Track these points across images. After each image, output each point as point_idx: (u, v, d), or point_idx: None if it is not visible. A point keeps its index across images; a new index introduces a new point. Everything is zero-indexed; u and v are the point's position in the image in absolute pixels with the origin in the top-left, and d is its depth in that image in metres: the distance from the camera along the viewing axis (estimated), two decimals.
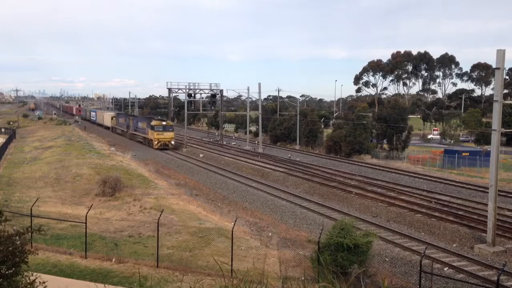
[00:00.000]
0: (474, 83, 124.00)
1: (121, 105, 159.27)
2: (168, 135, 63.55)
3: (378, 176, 40.88)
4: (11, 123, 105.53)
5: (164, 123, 65.24)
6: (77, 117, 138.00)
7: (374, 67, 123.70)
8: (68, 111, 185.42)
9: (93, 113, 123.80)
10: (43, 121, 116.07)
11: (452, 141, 77.79)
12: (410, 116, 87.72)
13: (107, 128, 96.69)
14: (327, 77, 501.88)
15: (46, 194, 30.99)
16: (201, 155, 57.38)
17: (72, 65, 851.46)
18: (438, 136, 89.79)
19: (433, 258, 19.35)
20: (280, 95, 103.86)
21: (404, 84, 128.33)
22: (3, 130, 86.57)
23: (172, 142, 63.60)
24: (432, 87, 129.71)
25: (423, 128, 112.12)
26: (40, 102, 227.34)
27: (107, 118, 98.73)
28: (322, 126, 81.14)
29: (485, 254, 21.14)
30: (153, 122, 65.44)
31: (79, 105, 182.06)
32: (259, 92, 68.77)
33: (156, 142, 62.75)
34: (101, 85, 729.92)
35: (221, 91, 77.77)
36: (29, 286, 9.33)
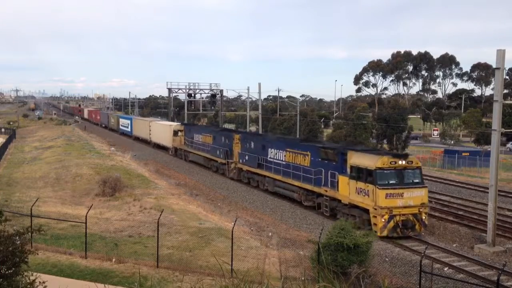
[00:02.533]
0: (474, 83, 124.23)
1: (121, 105, 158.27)
2: (416, 197, 23.53)
3: None
4: (11, 123, 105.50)
5: (403, 161, 23.85)
6: (76, 116, 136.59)
7: (374, 67, 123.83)
8: (74, 113, 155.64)
9: (124, 121, 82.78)
10: (43, 121, 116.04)
11: (453, 142, 77.73)
12: (410, 116, 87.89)
13: (161, 147, 60.41)
14: (327, 77, 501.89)
15: (46, 194, 30.99)
16: None
17: (72, 65, 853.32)
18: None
19: (433, 258, 19.34)
20: (280, 95, 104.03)
21: (404, 84, 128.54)
22: (3, 130, 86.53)
23: (423, 217, 23.50)
24: (432, 87, 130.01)
25: (423, 128, 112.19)
26: (40, 102, 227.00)
27: (164, 132, 58.49)
28: (322, 126, 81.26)
29: (485, 254, 21.13)
30: (372, 160, 23.87)
31: (81, 106, 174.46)
32: (259, 92, 68.81)
33: (383, 218, 22.60)
34: (101, 85, 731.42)
35: (221, 91, 77.98)
36: (29, 286, 9.35)
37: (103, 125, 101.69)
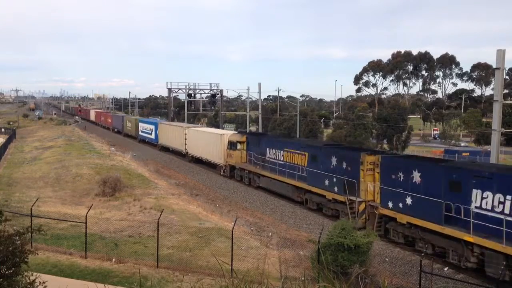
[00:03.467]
0: (474, 83, 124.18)
1: (121, 105, 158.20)
2: None
3: None
4: (11, 123, 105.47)
5: None
6: (77, 116, 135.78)
7: (374, 67, 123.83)
8: (77, 115, 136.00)
9: (145, 125, 68.86)
10: (43, 121, 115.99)
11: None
12: (410, 116, 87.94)
13: (201, 161, 47.56)
14: (327, 77, 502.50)
15: (46, 194, 30.99)
16: None
17: (72, 65, 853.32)
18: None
19: (433, 258, 19.33)
20: (280, 95, 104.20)
21: (404, 84, 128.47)
22: (3, 130, 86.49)
23: None
24: (432, 87, 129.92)
25: (423, 128, 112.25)
26: (40, 102, 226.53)
27: (210, 142, 44.25)
28: (322, 126, 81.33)
29: None
30: None
31: (81, 106, 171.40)
32: (259, 92, 68.82)
33: None
34: (101, 85, 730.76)
35: (221, 91, 77.93)
36: (29, 286, 9.36)
37: (116, 130, 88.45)
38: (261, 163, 34.81)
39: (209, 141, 44.71)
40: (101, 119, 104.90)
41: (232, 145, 39.28)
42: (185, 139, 50.98)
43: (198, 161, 48.56)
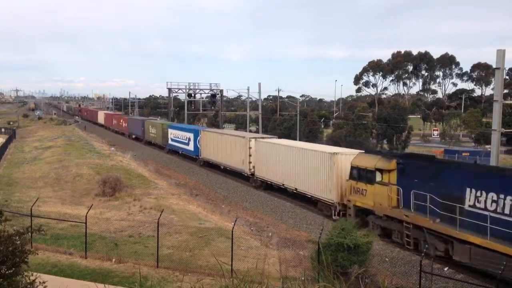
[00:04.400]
0: (474, 83, 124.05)
1: (121, 105, 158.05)
2: None
3: None
4: (11, 123, 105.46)
5: None
6: (77, 116, 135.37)
7: (374, 67, 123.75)
8: (81, 114, 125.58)
9: (179, 133, 54.71)
10: (43, 121, 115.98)
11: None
12: (410, 116, 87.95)
13: (288, 193, 32.17)
14: (327, 77, 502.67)
15: (46, 194, 30.99)
16: None
17: (72, 65, 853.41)
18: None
19: (433, 258, 19.32)
20: (280, 95, 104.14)
21: (404, 84, 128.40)
22: (3, 130, 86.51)
23: None
24: (432, 87, 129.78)
25: (423, 128, 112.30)
26: (40, 102, 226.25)
27: (311, 164, 28.39)
28: (322, 126, 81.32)
29: None
30: None
31: (81, 106, 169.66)
32: (259, 92, 68.77)
33: None
34: (101, 85, 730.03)
35: (221, 91, 78.06)
36: (29, 286, 9.37)
37: (133, 136, 75.11)
38: (456, 216, 17.96)
39: (303, 161, 29.63)
40: (112, 122, 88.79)
41: (362, 173, 23.61)
42: (250, 155, 36.77)
43: (270, 187, 35.13)
